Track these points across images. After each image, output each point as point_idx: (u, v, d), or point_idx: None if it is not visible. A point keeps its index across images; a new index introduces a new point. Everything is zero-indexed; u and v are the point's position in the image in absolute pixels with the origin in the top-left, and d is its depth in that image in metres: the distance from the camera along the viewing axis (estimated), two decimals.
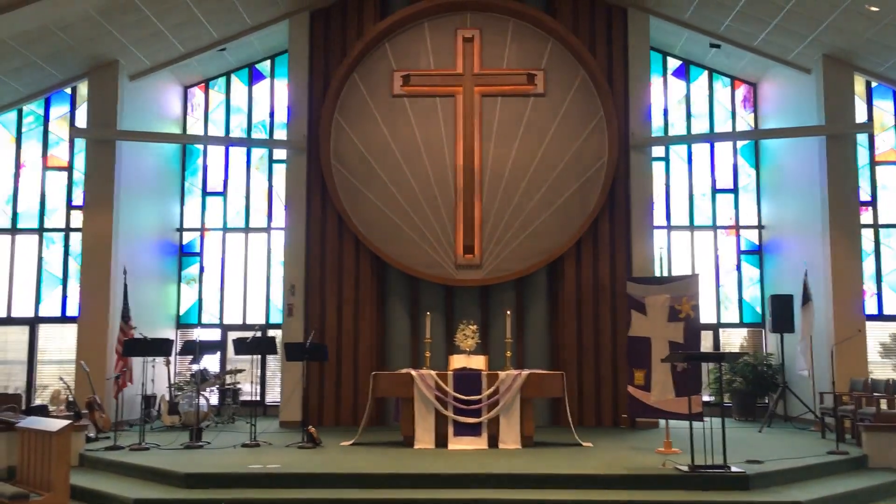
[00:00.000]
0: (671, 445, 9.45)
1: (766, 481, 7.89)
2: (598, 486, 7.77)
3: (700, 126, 15.31)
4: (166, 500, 7.43)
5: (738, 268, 15.07)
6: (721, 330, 14.82)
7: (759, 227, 15.03)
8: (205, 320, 15.12)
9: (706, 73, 15.40)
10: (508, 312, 11.32)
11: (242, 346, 10.87)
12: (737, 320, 14.98)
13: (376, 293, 13.33)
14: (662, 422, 12.28)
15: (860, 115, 13.41)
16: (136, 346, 10.61)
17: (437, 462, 8.77)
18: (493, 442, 10.12)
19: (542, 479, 7.87)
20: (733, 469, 7.94)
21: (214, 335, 14.62)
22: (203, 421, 12.22)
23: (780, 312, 12.72)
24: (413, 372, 10.46)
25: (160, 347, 10.53)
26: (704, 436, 8.44)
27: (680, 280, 9.85)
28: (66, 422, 7.75)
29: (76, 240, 13.80)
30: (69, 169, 14.23)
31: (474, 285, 13.19)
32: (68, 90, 14.20)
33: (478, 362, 10.76)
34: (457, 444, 10.06)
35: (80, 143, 13.85)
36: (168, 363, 12.37)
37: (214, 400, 13.76)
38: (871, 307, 13.37)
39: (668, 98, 15.38)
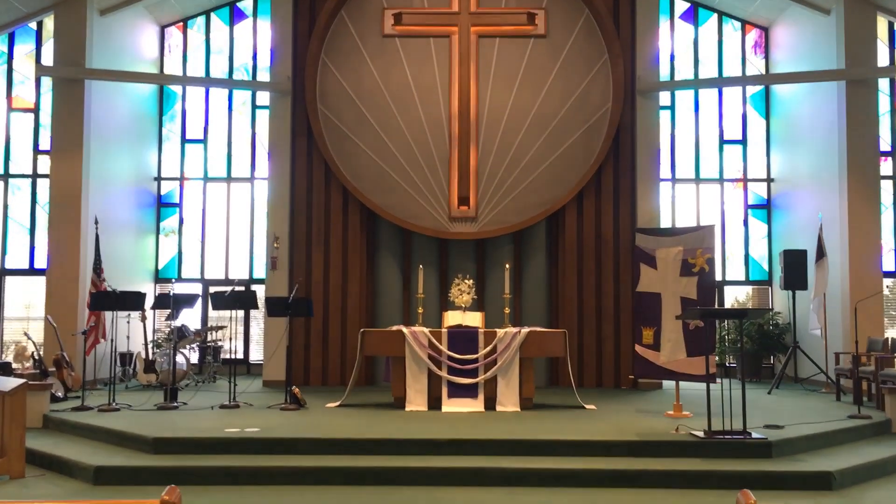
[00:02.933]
0: (681, 408, 8.81)
1: (789, 448, 7.23)
2: (608, 453, 7.09)
3: (708, 73, 14.50)
4: (130, 467, 6.70)
5: (745, 222, 14.39)
6: (726, 287, 14.20)
7: (769, 180, 14.32)
8: (185, 274, 14.39)
9: (715, 16, 14.55)
10: (508, 266, 10.58)
11: (221, 301, 10.11)
12: (742, 277, 14.35)
13: (365, 246, 12.58)
14: (666, 383, 11.75)
15: (882, 60, 12.59)
16: (105, 299, 9.82)
17: (430, 426, 8.08)
18: (491, 404, 9.46)
19: (546, 446, 7.19)
20: (754, 435, 7.27)
21: (195, 290, 13.87)
22: (182, 380, 11.55)
23: (793, 268, 12.03)
24: (405, 329, 9.74)
25: (131, 301, 9.75)
26: (720, 398, 7.79)
27: (694, 231, 9.10)
28: (19, 381, 7.03)
29: (44, 187, 12.94)
30: (35, 110, 13.30)
31: (469, 238, 12.45)
32: (33, 25, 13.22)
33: (474, 319, 10.04)
34: (451, 406, 9.38)
35: (48, 84, 12.92)
36: (144, 318, 11.66)
37: (195, 358, 13.08)
38: (887, 263, 12.67)
39: (674, 43, 14.54)
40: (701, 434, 7.33)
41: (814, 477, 6.56)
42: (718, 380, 8.89)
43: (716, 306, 9.98)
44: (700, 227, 9.19)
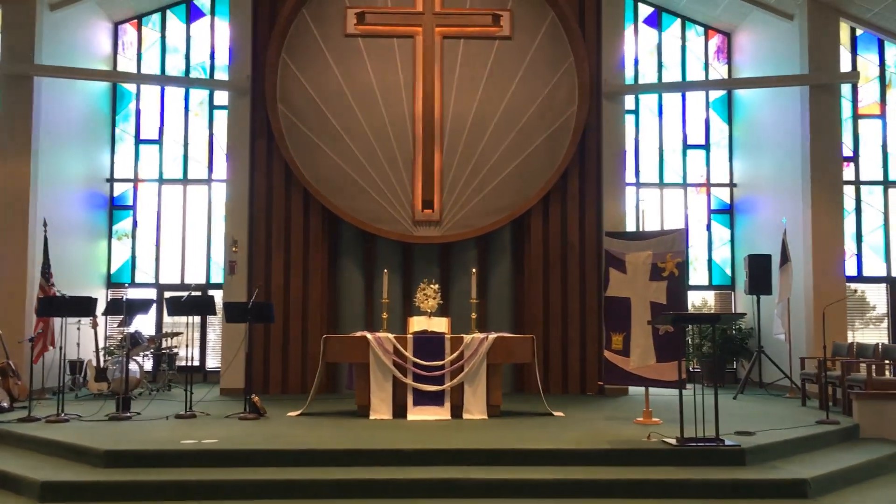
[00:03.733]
0: (651, 415, 8.68)
1: (761, 455, 7.12)
2: (580, 461, 6.90)
3: (671, 78, 14.49)
4: (79, 482, 6.33)
5: (708, 227, 14.40)
6: (689, 292, 14.15)
7: (731, 184, 14.35)
8: (138, 279, 13.95)
9: (679, 21, 14.55)
10: (474, 270, 10.36)
11: (176, 306, 9.72)
12: (705, 282, 14.35)
13: (327, 250, 12.27)
14: (632, 389, 11.63)
15: (844, 65, 12.65)
16: (53, 304, 9.38)
17: (396, 435, 7.82)
18: (457, 412, 9.20)
19: (516, 455, 6.98)
20: (727, 442, 7.15)
21: (149, 295, 13.43)
22: (135, 388, 11.13)
23: (758, 273, 12.02)
24: (369, 335, 9.46)
25: (81, 307, 9.31)
26: (690, 405, 7.65)
27: (664, 235, 8.97)
28: None
29: None
30: None
31: (434, 243, 12.21)
32: None
33: (440, 325, 9.80)
34: (417, 414, 9.12)
35: None
36: (95, 325, 11.23)
37: (149, 366, 12.63)
38: (849, 268, 12.72)
39: (638, 47, 14.50)
40: (673, 441, 7.19)
41: (789, 485, 6.45)
42: (689, 386, 8.77)
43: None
44: (670, 230, 9.07)
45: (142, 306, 10.20)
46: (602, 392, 11.70)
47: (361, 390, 9.34)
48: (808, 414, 9.49)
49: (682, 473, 6.63)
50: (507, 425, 8.56)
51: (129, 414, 9.11)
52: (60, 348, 9.31)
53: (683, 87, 14.28)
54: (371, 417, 9.11)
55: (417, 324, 9.82)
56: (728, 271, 14.30)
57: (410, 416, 9.10)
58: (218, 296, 12.38)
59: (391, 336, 9.44)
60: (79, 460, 7.02)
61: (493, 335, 9.49)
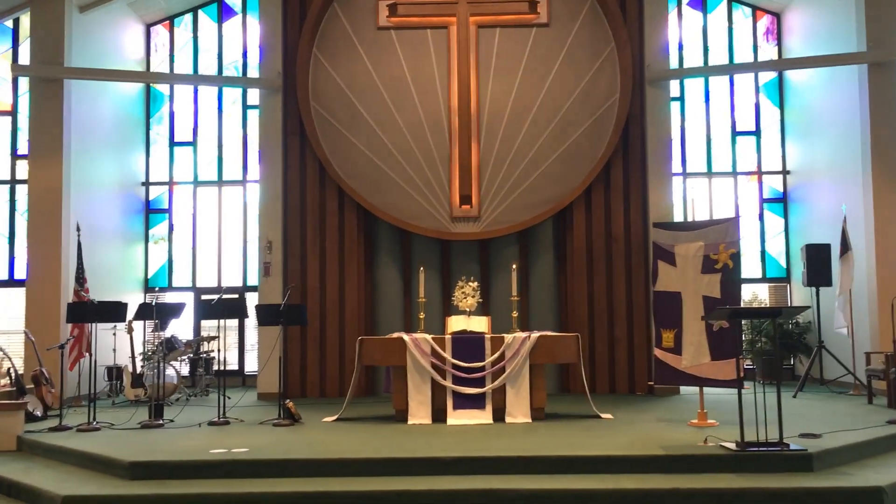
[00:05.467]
0: (706, 417, 8.14)
1: (830, 460, 6.56)
2: (632, 469, 6.41)
3: (718, 62, 13.82)
4: (101, 496, 6.03)
5: (761, 217, 13.73)
6: (742, 285, 13.51)
7: (784, 172, 13.66)
8: (176, 283, 13.77)
9: (725, 2, 13.91)
10: (515, 267, 9.91)
11: (207, 310, 9.44)
12: (759, 274, 13.69)
13: (363, 249, 11.92)
14: (684, 388, 11.08)
15: None
16: (82, 310, 9.16)
17: (435, 442, 7.41)
18: (499, 415, 8.77)
19: (563, 463, 6.51)
20: (792, 446, 6.59)
21: (186, 299, 13.22)
22: (172, 394, 10.93)
23: (816, 264, 11.35)
24: (405, 336, 9.07)
25: (111, 312, 9.08)
26: (749, 405, 7.11)
27: (716, 224, 8.41)
28: None
29: (23, 193, 12.28)
30: (13, 113, 12.65)
31: (472, 239, 11.80)
32: (9, 23, 12.58)
33: (479, 324, 9.36)
34: (457, 418, 8.70)
35: (26, 86, 12.27)
36: (131, 330, 11.02)
37: (186, 370, 12.41)
38: None
39: (682, 32, 13.89)
40: (733, 446, 6.65)
41: (862, 493, 5.88)
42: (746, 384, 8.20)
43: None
44: (722, 220, 8.50)
45: (173, 310, 9.92)
46: (652, 392, 11.17)
47: (399, 394, 8.95)
48: (877, 413, 8.88)
49: (744, 482, 6.10)
50: (552, 429, 8.10)
51: (161, 421, 8.85)
52: (90, 355, 9.08)
53: (731, 69, 13.61)
54: (409, 422, 8.71)
55: (456, 323, 9.41)
56: (783, 262, 13.63)
57: (450, 421, 8.69)
58: (253, 298, 12.14)
59: (429, 337, 9.04)
60: (104, 472, 6.74)
61: (535, 334, 9.02)
